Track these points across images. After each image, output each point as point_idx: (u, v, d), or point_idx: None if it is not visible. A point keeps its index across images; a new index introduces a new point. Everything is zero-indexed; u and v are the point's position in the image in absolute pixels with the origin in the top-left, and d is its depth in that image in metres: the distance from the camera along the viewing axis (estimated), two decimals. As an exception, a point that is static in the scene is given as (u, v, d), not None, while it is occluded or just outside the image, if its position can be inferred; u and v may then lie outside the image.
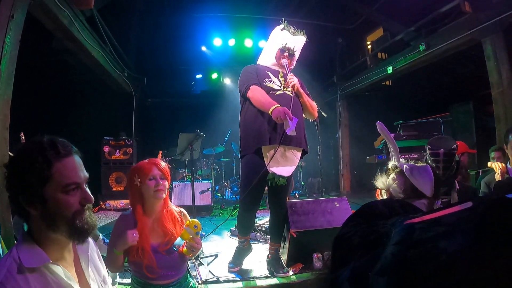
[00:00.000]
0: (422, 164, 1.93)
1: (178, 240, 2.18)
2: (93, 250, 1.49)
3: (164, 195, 2.27)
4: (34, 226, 1.25)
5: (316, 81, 9.99)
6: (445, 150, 2.48)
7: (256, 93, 3.18)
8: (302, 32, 3.51)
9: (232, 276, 3.47)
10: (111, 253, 2.13)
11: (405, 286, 0.53)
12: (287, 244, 3.62)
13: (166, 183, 2.29)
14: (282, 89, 3.33)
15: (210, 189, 7.04)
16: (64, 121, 8.80)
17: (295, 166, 3.38)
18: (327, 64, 10.61)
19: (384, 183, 1.94)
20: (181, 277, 2.34)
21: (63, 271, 1.25)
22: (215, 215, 6.84)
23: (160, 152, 6.69)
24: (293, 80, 3.27)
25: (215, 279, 3.38)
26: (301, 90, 3.36)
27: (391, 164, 2.01)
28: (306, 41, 3.57)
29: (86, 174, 1.32)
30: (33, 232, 1.25)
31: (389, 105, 9.62)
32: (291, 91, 3.31)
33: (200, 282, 3.21)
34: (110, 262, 2.11)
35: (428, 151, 2.60)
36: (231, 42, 10.06)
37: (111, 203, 7.55)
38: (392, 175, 1.91)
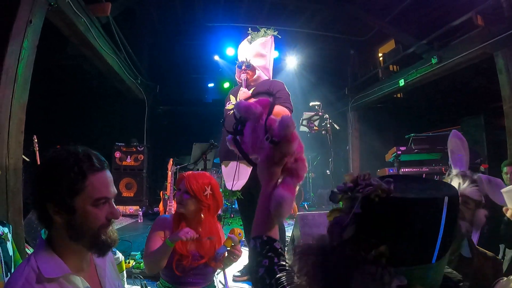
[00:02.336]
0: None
1: (222, 248, 2.20)
2: (109, 262, 1.49)
3: (182, 210, 2.27)
4: (55, 234, 1.24)
5: (327, 91, 10.00)
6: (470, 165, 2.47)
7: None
8: (264, 31, 3.54)
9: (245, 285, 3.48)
10: (162, 247, 2.13)
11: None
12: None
13: (191, 199, 2.26)
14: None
15: (220, 197, 7.05)
16: (77, 125, 8.93)
17: (246, 179, 3.39)
18: (338, 75, 10.61)
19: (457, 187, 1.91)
20: (208, 286, 2.36)
21: (81, 281, 1.24)
22: (225, 224, 6.83)
23: (171, 160, 6.77)
24: (240, 95, 3.40)
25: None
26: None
27: (457, 171, 1.97)
28: (272, 36, 3.58)
29: (115, 190, 1.32)
30: (53, 241, 1.24)
31: (400, 118, 9.58)
32: None
33: None
34: (158, 256, 2.13)
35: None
36: (230, 51, 10.11)
37: (121, 208, 7.59)
38: (468, 181, 1.87)
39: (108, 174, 1.30)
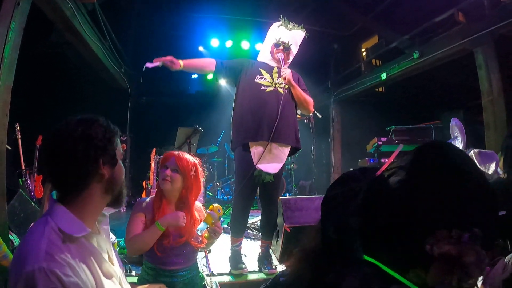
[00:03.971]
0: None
1: (202, 225, 2.22)
2: (108, 226, 1.55)
3: (169, 187, 2.30)
4: (87, 192, 1.29)
5: (310, 84, 10.05)
6: None
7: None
8: (301, 27, 3.57)
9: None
10: (152, 230, 2.16)
11: (371, 219, 0.72)
12: (280, 241, 3.67)
13: (179, 177, 2.32)
14: (274, 85, 3.38)
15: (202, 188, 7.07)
16: (59, 114, 8.69)
17: (283, 163, 3.40)
18: (321, 69, 10.69)
19: None
20: (191, 265, 2.40)
21: (97, 240, 1.32)
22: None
23: (154, 149, 6.76)
24: (285, 72, 3.33)
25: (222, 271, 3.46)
26: (293, 83, 3.40)
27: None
28: (306, 36, 3.64)
29: None
30: (76, 201, 1.28)
31: (382, 111, 9.72)
32: (284, 88, 3.37)
33: (209, 273, 3.29)
34: (146, 240, 2.15)
35: None
36: (228, 43, 10.11)
37: (103, 198, 7.53)
38: None
39: None
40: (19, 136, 5.43)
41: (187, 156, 2.39)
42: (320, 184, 10.16)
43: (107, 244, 1.41)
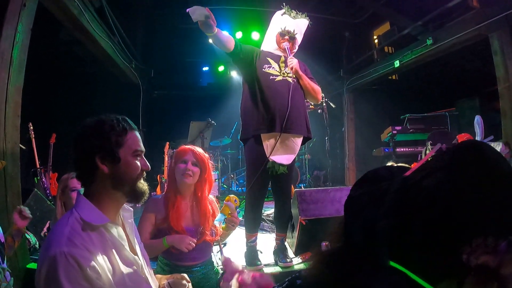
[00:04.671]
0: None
1: (219, 216, 2.25)
2: (132, 221, 1.64)
3: (191, 181, 2.33)
4: (98, 187, 1.43)
5: (322, 74, 9.98)
6: (446, 146, 2.50)
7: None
8: (304, 15, 3.49)
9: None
10: (157, 244, 2.21)
11: (402, 224, 0.66)
12: (296, 233, 3.65)
13: (199, 170, 2.34)
14: (282, 75, 3.32)
15: (217, 180, 7.08)
16: (72, 111, 8.88)
17: (295, 154, 3.36)
18: (333, 57, 10.56)
19: None
20: (206, 261, 2.40)
21: (117, 230, 1.43)
22: (222, 206, 6.87)
23: (168, 143, 6.78)
24: (292, 62, 3.27)
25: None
26: (301, 73, 3.34)
27: None
28: (309, 24, 3.55)
29: (144, 148, 1.54)
30: (94, 194, 1.43)
31: (396, 99, 9.60)
32: (292, 78, 3.32)
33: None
34: (151, 250, 2.14)
35: (429, 146, 2.61)
36: (238, 35, 10.00)
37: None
38: None
39: (139, 134, 1.55)
40: (33, 136, 5.50)
41: (201, 149, 2.41)
42: (334, 174, 10.12)
43: (131, 236, 1.55)
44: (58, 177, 5.77)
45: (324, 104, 5.18)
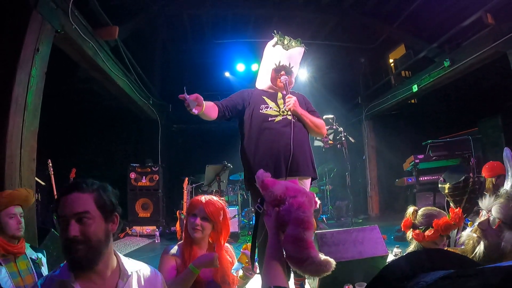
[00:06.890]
0: None
1: (237, 265, 2.21)
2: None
3: (200, 235, 2.25)
4: None
5: (340, 102, 9.92)
6: (450, 184, 2.32)
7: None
8: (298, 42, 3.26)
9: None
10: (186, 274, 2.09)
11: None
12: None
13: (209, 225, 2.26)
14: (281, 114, 3.05)
15: (237, 215, 6.96)
16: (91, 147, 9.04)
17: None
18: (350, 85, 10.51)
19: (486, 204, 1.77)
20: None
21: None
22: (242, 242, 6.71)
23: (186, 178, 6.75)
24: (290, 102, 2.97)
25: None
26: (300, 111, 3.04)
27: (504, 190, 1.84)
28: (305, 50, 3.34)
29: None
30: None
31: (416, 124, 9.43)
32: (292, 115, 3.08)
33: None
34: (182, 284, 2.08)
35: (443, 185, 2.43)
36: (254, 67, 10.10)
37: (137, 229, 7.64)
38: (503, 199, 1.72)
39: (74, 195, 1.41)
40: (52, 172, 5.53)
41: (214, 200, 2.32)
42: (357, 204, 9.84)
43: None
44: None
45: (343, 139, 5.07)
